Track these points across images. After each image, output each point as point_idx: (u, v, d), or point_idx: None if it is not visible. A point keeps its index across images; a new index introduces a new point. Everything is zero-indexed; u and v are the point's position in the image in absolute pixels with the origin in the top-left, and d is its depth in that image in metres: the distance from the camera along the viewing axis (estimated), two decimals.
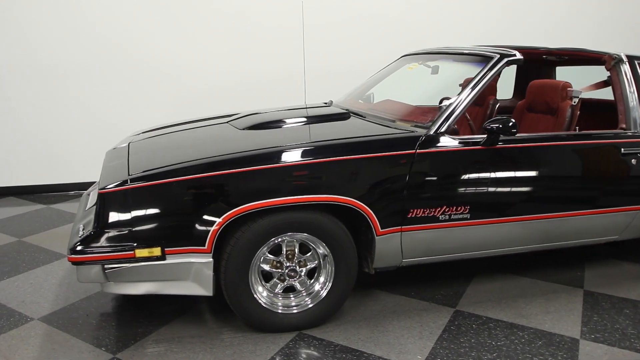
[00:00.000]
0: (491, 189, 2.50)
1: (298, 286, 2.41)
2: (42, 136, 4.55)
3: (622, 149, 2.70)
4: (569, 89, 2.89)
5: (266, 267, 2.34)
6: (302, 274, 2.39)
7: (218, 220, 2.14)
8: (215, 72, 4.58)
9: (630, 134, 2.75)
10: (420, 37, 4.62)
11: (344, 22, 4.65)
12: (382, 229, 2.34)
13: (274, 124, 2.72)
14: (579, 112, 2.87)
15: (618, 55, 2.86)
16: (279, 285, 2.38)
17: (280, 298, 2.37)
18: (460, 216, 2.45)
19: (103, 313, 2.57)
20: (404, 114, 2.78)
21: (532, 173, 2.55)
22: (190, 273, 2.19)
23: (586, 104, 3.58)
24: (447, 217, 2.43)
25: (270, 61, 4.57)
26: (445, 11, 4.96)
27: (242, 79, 4.61)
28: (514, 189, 2.53)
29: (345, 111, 2.88)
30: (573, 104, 2.85)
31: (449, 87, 3.50)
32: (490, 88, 3.53)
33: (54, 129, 4.53)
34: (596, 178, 2.68)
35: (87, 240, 2.11)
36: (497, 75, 3.87)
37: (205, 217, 2.14)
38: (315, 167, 2.26)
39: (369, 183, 2.31)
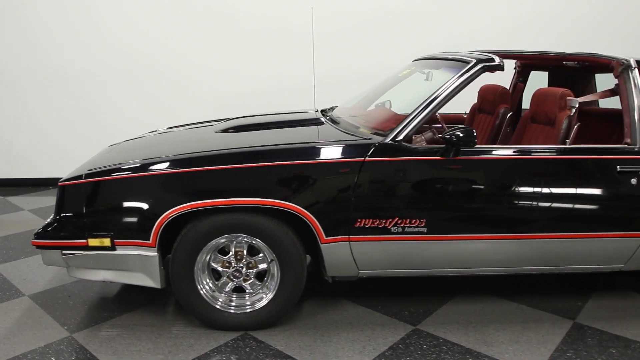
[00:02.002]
0: (450, 203, 2.35)
1: (248, 287, 2.44)
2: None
3: (618, 167, 2.38)
4: (567, 97, 2.61)
5: (217, 265, 2.41)
6: (252, 275, 2.43)
7: (160, 217, 2.25)
8: (225, 78, 4.79)
9: (629, 149, 2.42)
10: (432, 41, 4.45)
11: (353, 27, 4.65)
12: (326, 236, 2.30)
13: (246, 128, 2.79)
14: (577, 124, 2.58)
15: (627, 61, 2.53)
16: (229, 284, 2.44)
17: (223, 295, 2.43)
18: (415, 230, 2.33)
19: (82, 296, 2.80)
20: (378, 121, 2.69)
21: (498, 188, 2.35)
22: (138, 265, 2.33)
23: (605, 114, 3.21)
24: (400, 229, 2.32)
25: (279, 67, 4.68)
26: (460, 14, 4.76)
27: (252, 85, 4.79)
28: (477, 205, 2.35)
29: (315, 117, 2.86)
30: (570, 114, 2.57)
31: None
32: (503, 96, 3.28)
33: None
34: (584, 198, 2.39)
35: (47, 227, 2.34)
36: (511, 80, 3.63)
37: (150, 213, 2.26)
38: (257, 170, 2.28)
39: (312, 189, 2.28)
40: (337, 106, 3.46)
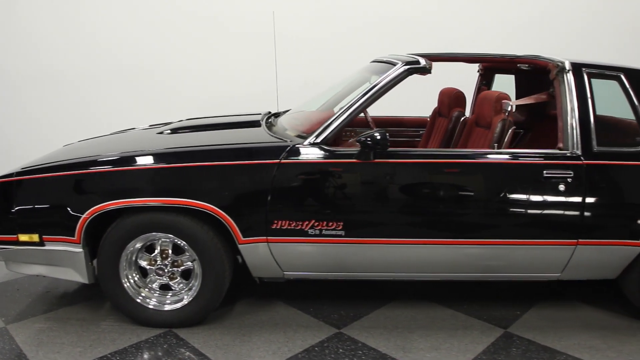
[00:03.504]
0: (367, 207, 2.33)
1: (175, 286, 2.49)
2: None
3: (544, 172, 2.31)
4: (503, 101, 2.55)
5: (143, 262, 2.47)
6: (177, 274, 2.47)
7: (84, 215, 2.32)
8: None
9: (559, 155, 2.34)
10: (397, 45, 4.40)
11: (316, 31, 4.62)
12: (244, 237, 2.33)
13: (184, 129, 2.85)
14: (512, 127, 2.51)
15: (561, 63, 2.44)
16: (156, 281, 2.49)
17: (146, 291, 2.48)
18: (333, 232, 2.32)
19: (30, 290, 2.91)
20: (309, 124, 2.68)
21: (416, 192, 2.32)
22: (66, 260, 2.41)
23: None
24: (317, 232, 2.32)
25: (242, 70, 4.71)
26: (425, 18, 4.66)
27: (217, 87, 4.83)
28: (395, 209, 2.32)
29: (257, 120, 2.88)
30: (505, 117, 2.50)
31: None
32: (457, 99, 3.22)
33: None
34: (509, 204, 2.32)
35: None
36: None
37: (74, 211, 2.34)
38: (175, 171, 2.33)
39: (228, 190, 2.31)
40: (290, 109, 3.47)
